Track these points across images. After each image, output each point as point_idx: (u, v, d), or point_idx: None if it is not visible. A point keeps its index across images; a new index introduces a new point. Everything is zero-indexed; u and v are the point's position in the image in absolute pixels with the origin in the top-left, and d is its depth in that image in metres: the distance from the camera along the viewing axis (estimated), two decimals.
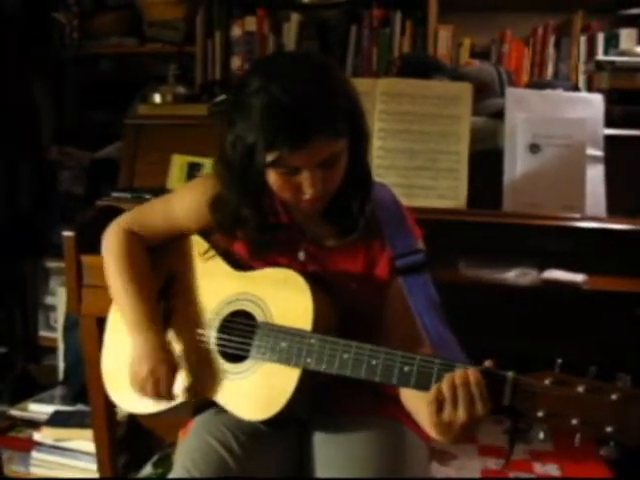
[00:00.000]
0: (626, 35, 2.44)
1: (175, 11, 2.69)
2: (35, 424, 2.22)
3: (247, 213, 1.20)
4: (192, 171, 1.97)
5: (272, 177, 1.13)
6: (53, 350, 2.54)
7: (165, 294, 1.34)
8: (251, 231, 1.22)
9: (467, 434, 1.01)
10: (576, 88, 2.20)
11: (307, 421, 1.26)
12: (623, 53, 2.14)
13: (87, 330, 1.73)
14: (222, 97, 2.09)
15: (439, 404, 1.00)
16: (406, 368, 1.05)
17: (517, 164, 1.76)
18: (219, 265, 1.29)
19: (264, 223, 1.22)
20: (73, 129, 2.86)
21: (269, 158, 1.09)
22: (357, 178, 1.20)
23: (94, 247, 1.47)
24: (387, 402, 1.24)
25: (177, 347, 1.29)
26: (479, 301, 1.55)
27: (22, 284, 2.69)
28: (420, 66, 2.03)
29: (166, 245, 1.36)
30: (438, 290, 1.22)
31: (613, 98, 1.90)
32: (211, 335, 1.26)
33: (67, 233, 1.70)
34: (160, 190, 1.73)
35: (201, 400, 1.25)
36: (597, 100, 1.81)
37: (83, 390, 2.03)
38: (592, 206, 1.73)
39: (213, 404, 1.23)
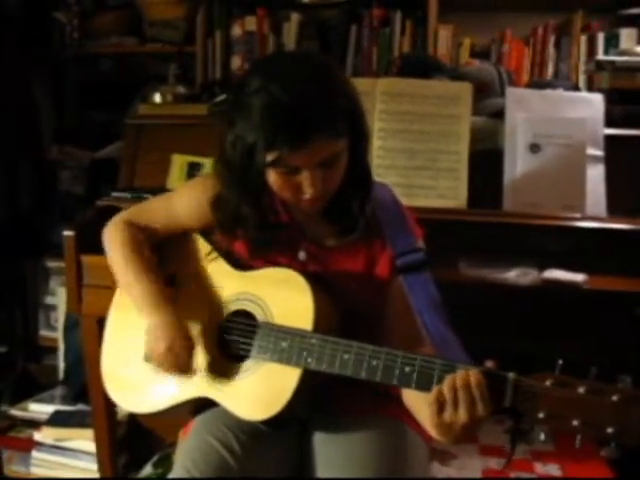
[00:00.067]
0: (626, 35, 2.44)
1: (175, 11, 2.69)
2: (35, 424, 2.22)
3: (247, 212, 1.20)
4: (192, 171, 1.97)
5: (272, 177, 1.14)
6: (53, 350, 2.54)
7: None
8: (251, 230, 1.22)
9: (468, 435, 1.01)
10: (576, 88, 2.20)
11: (307, 421, 1.26)
12: (623, 53, 2.14)
13: (87, 330, 1.73)
14: (222, 97, 2.09)
15: (440, 405, 1.00)
16: (407, 369, 1.05)
17: (517, 164, 1.76)
18: (220, 265, 1.29)
19: (264, 222, 1.22)
20: (73, 129, 2.86)
21: (269, 158, 1.09)
22: (357, 178, 1.20)
23: (94, 247, 1.47)
24: (388, 402, 1.24)
25: None
26: (479, 301, 1.55)
27: (22, 284, 2.69)
28: (420, 66, 2.03)
29: (166, 246, 1.36)
30: (439, 289, 1.22)
31: (613, 98, 1.90)
32: (212, 335, 1.25)
33: (67, 233, 1.70)
34: (160, 190, 1.73)
35: (201, 400, 1.25)
36: (597, 100, 1.81)
37: (83, 390, 2.03)
38: (592, 206, 1.73)
39: (213, 404, 1.23)
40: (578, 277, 1.55)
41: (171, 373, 1.24)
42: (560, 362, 0.97)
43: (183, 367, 1.23)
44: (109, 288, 1.40)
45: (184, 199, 1.34)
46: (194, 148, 1.97)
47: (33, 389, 2.41)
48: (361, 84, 1.21)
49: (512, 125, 1.77)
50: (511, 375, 0.98)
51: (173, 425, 1.41)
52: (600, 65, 2.04)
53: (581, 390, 0.93)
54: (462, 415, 0.98)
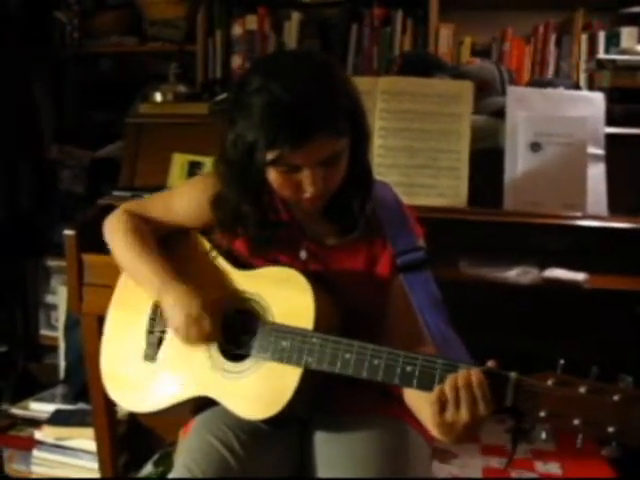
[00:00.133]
0: (627, 33, 2.44)
1: (176, 10, 2.69)
2: (36, 423, 2.22)
3: (247, 210, 1.20)
4: (193, 170, 1.97)
5: (273, 175, 1.13)
6: (54, 349, 2.55)
7: None
8: (251, 228, 1.22)
9: (470, 434, 1.01)
10: (577, 86, 2.20)
11: (308, 420, 1.25)
12: (624, 52, 2.14)
13: (88, 329, 1.73)
14: (223, 96, 2.09)
15: (442, 405, 1.00)
16: (408, 368, 1.05)
17: (518, 163, 1.76)
18: (221, 264, 1.29)
19: (264, 221, 1.22)
20: (73, 128, 2.86)
21: (270, 157, 1.09)
22: (358, 177, 1.20)
23: (95, 246, 1.48)
24: (390, 401, 1.24)
25: (178, 346, 1.28)
26: (480, 300, 1.55)
27: (23, 283, 2.69)
28: (421, 64, 2.03)
29: (167, 245, 1.36)
30: (439, 288, 1.22)
31: (614, 96, 1.91)
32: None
33: (68, 232, 1.70)
34: (161, 189, 1.73)
35: (201, 399, 1.24)
36: (598, 98, 1.81)
37: (84, 389, 2.03)
38: (593, 205, 1.73)
39: (214, 403, 1.23)
40: (579, 276, 1.55)
41: (199, 341, 1.21)
42: (562, 362, 0.97)
43: (208, 332, 1.20)
44: (110, 287, 1.40)
45: (184, 198, 1.34)
46: (195, 147, 1.97)
47: (34, 388, 2.41)
48: (362, 83, 1.21)
49: (513, 124, 1.77)
50: (512, 375, 0.98)
51: (173, 424, 1.41)
52: (601, 64, 2.04)
53: (582, 389, 0.93)
54: (464, 415, 0.98)
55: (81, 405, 2.21)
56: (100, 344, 1.39)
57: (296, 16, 2.65)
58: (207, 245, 1.32)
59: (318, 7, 2.69)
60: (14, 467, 2.24)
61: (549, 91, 1.90)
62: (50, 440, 2.14)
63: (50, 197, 2.74)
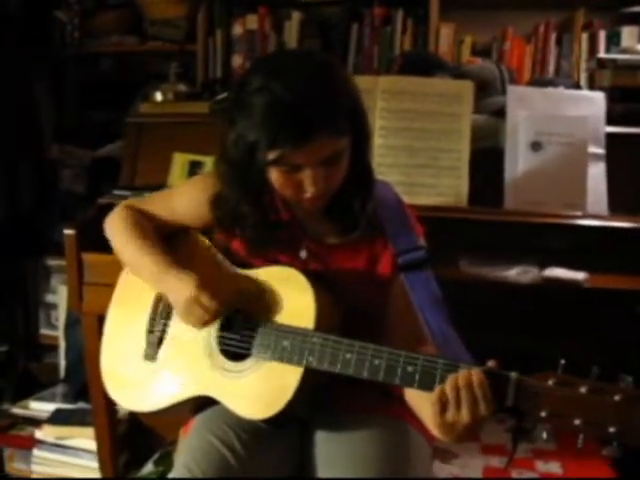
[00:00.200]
0: (628, 33, 2.43)
1: (176, 9, 2.69)
2: (36, 422, 2.22)
3: (247, 211, 1.20)
4: (193, 169, 1.97)
5: (274, 175, 1.13)
6: (54, 348, 2.55)
7: None
8: (249, 229, 1.22)
9: (471, 434, 1.01)
10: (578, 86, 2.20)
11: (309, 420, 1.25)
12: (625, 51, 2.14)
13: (88, 328, 1.73)
14: (223, 95, 2.08)
15: (443, 405, 1.00)
16: (409, 368, 1.05)
17: (518, 162, 1.76)
18: (221, 263, 1.29)
19: (264, 221, 1.22)
20: (74, 128, 2.86)
21: (271, 156, 1.09)
22: (359, 176, 1.20)
23: (95, 245, 1.47)
24: (390, 401, 1.24)
25: (178, 345, 1.28)
26: (480, 299, 1.55)
27: (23, 282, 2.69)
28: (421, 64, 2.03)
29: (167, 245, 1.36)
30: (440, 287, 1.22)
31: (615, 96, 1.91)
32: (212, 333, 1.25)
33: (68, 231, 1.70)
34: (161, 188, 1.74)
35: (202, 398, 1.24)
36: (599, 98, 1.81)
37: (84, 388, 2.03)
38: (593, 204, 1.73)
39: (214, 402, 1.23)
40: (579, 275, 1.55)
41: (204, 320, 1.20)
42: (562, 362, 0.97)
43: (210, 308, 1.18)
44: (110, 286, 1.40)
45: (184, 197, 1.34)
46: (195, 146, 1.97)
47: (34, 387, 2.41)
48: (362, 82, 1.21)
49: (513, 123, 1.77)
50: (513, 375, 0.98)
51: (174, 423, 1.41)
52: (601, 63, 2.05)
53: (583, 390, 0.93)
54: (465, 415, 0.98)
55: (81, 404, 2.21)
56: (100, 343, 1.39)
57: (296, 16, 2.65)
58: (207, 244, 1.32)
59: (318, 6, 2.69)
60: (15, 466, 2.24)
61: (550, 90, 1.90)
62: (50, 439, 2.14)
63: (50, 196, 2.74)
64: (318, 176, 1.12)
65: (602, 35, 2.47)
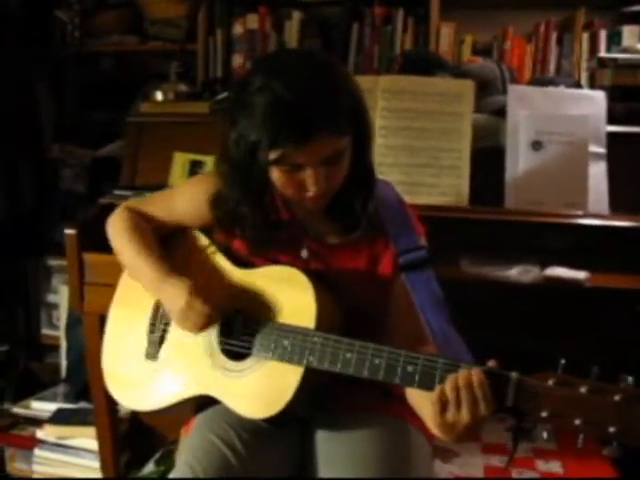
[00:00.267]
0: (628, 32, 2.43)
1: (177, 9, 2.69)
2: (38, 422, 2.22)
3: (247, 211, 1.20)
4: (194, 169, 1.97)
5: (275, 174, 1.13)
6: (55, 348, 2.55)
7: None
8: (249, 229, 1.22)
9: (471, 434, 1.01)
10: (578, 85, 2.19)
11: (309, 419, 1.25)
12: (625, 50, 2.14)
13: (89, 328, 1.74)
14: (224, 95, 2.08)
15: (443, 405, 1.00)
16: (409, 368, 1.05)
17: (519, 161, 1.76)
18: (221, 263, 1.29)
19: (264, 221, 1.22)
20: (74, 127, 2.86)
21: (272, 156, 1.09)
22: (360, 175, 1.20)
23: (96, 245, 1.47)
24: (391, 401, 1.24)
25: (179, 345, 1.29)
26: (481, 298, 1.55)
27: (24, 282, 2.69)
28: (422, 63, 2.03)
29: (167, 245, 1.36)
30: (441, 287, 1.22)
31: (615, 95, 1.91)
32: (213, 333, 1.25)
33: (69, 231, 1.70)
34: (162, 188, 1.74)
35: (203, 398, 1.25)
36: (599, 97, 1.81)
37: (85, 388, 2.03)
38: (594, 203, 1.72)
39: (215, 402, 1.23)
40: (580, 275, 1.55)
41: (199, 326, 1.21)
42: (562, 362, 0.96)
43: (208, 317, 1.20)
44: (111, 286, 1.40)
45: (185, 197, 1.34)
46: (196, 146, 1.97)
47: (35, 387, 2.41)
48: (363, 81, 1.21)
49: (514, 122, 1.77)
50: (513, 375, 0.98)
51: (175, 423, 1.41)
52: (602, 62, 2.04)
53: (583, 390, 0.93)
54: (465, 415, 0.98)
55: (82, 404, 2.21)
56: (101, 343, 1.39)
57: (297, 15, 2.65)
58: (206, 244, 1.32)
59: (319, 6, 2.69)
60: (16, 466, 2.24)
61: (550, 90, 1.90)
62: (52, 439, 2.14)
63: (51, 196, 2.74)
64: (319, 175, 1.12)
65: (603, 34, 2.47)
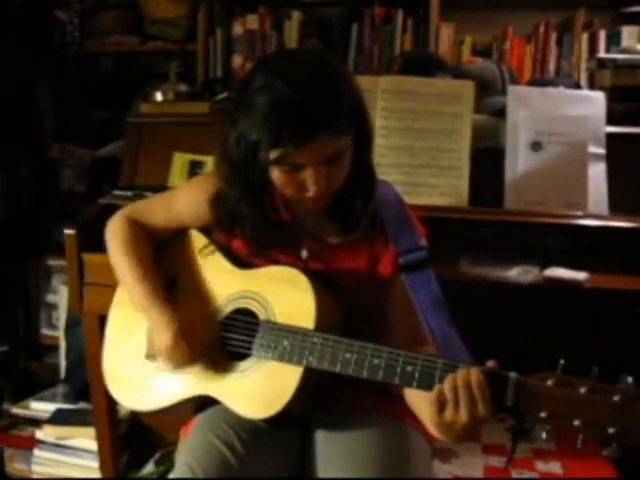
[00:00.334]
0: (628, 32, 2.43)
1: (177, 9, 2.69)
2: (37, 422, 2.22)
3: (246, 211, 1.20)
4: (194, 169, 1.97)
5: (276, 174, 1.13)
6: (55, 348, 2.55)
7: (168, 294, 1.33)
8: (249, 229, 1.22)
9: (470, 434, 1.01)
10: (578, 86, 2.19)
11: (309, 420, 1.25)
12: (625, 50, 2.14)
13: (89, 328, 1.74)
14: (224, 95, 2.09)
15: (441, 405, 1.00)
16: (409, 368, 1.05)
17: (519, 162, 1.76)
18: (220, 263, 1.29)
19: (264, 221, 1.22)
20: (74, 127, 2.86)
21: (273, 155, 1.09)
22: (361, 175, 1.20)
23: (96, 245, 1.47)
24: (390, 400, 1.24)
25: None
26: (481, 299, 1.55)
27: (24, 282, 2.69)
28: (422, 64, 2.03)
29: (167, 245, 1.36)
30: (441, 287, 1.22)
31: (615, 95, 1.91)
32: (214, 332, 1.25)
33: (68, 231, 1.70)
34: (162, 188, 1.73)
35: (202, 398, 1.25)
36: (599, 97, 1.81)
37: (85, 388, 2.03)
38: (594, 204, 1.72)
39: (215, 402, 1.23)
40: (580, 275, 1.55)
41: (180, 368, 1.23)
42: (562, 362, 0.96)
43: (190, 360, 1.22)
44: (110, 286, 1.40)
45: (185, 197, 1.34)
46: (195, 146, 1.97)
47: (35, 387, 2.41)
48: (363, 82, 1.21)
49: (514, 123, 1.77)
50: (512, 375, 0.98)
51: (174, 423, 1.41)
52: (602, 63, 2.04)
53: (583, 390, 0.93)
54: (463, 415, 0.98)
55: (82, 404, 2.21)
56: (101, 343, 1.39)
57: (297, 15, 2.65)
58: (206, 242, 1.32)
59: (319, 6, 2.69)
60: (15, 466, 2.24)
61: (550, 90, 1.90)
62: (51, 439, 2.14)
63: (51, 196, 2.74)
64: (320, 175, 1.12)
65: (602, 35, 2.47)
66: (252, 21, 2.67)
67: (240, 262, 1.27)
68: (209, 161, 1.93)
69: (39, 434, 2.16)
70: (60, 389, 2.35)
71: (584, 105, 1.80)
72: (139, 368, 1.31)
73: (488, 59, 2.37)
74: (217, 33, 2.68)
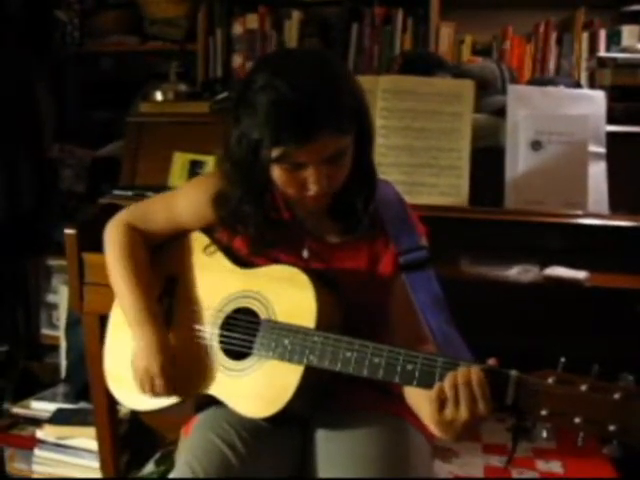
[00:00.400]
0: (628, 32, 2.43)
1: (177, 9, 2.69)
2: (37, 422, 2.22)
3: (249, 209, 1.21)
4: (194, 169, 1.97)
5: (277, 173, 1.14)
6: (55, 348, 2.55)
7: (168, 293, 1.33)
8: (251, 227, 1.22)
9: (470, 432, 1.01)
10: (578, 85, 2.19)
11: (309, 418, 1.26)
12: (625, 50, 2.14)
13: (89, 328, 1.74)
14: (224, 95, 2.09)
15: (441, 403, 1.00)
16: (409, 366, 1.05)
17: (519, 161, 1.76)
18: (221, 262, 1.29)
19: (265, 220, 1.22)
20: (74, 127, 2.87)
21: (274, 154, 1.10)
22: (362, 175, 1.20)
23: (96, 245, 1.47)
24: (390, 399, 1.24)
25: (179, 344, 1.29)
26: (481, 298, 1.55)
27: (24, 282, 2.69)
28: (422, 63, 2.03)
29: (168, 244, 1.36)
30: (441, 287, 1.22)
31: (615, 95, 1.91)
32: (214, 332, 1.25)
33: (68, 231, 1.70)
34: (162, 188, 1.73)
35: (203, 397, 1.25)
36: (599, 97, 1.81)
37: (85, 388, 2.03)
38: (594, 203, 1.72)
39: (215, 401, 1.23)
40: (580, 274, 1.55)
41: (146, 394, 1.26)
42: (562, 360, 0.96)
43: (159, 392, 1.25)
44: (110, 286, 1.40)
45: (185, 198, 1.34)
46: (195, 146, 1.97)
47: (35, 387, 2.41)
48: (363, 81, 1.21)
49: (514, 122, 1.77)
50: (513, 373, 0.98)
51: (175, 422, 1.41)
52: (602, 62, 2.04)
53: (583, 388, 0.93)
54: (463, 412, 0.98)
55: (82, 404, 2.21)
56: (101, 343, 1.39)
57: (297, 15, 2.66)
58: (207, 242, 1.32)
59: (319, 6, 2.69)
60: (15, 466, 2.24)
61: (550, 89, 1.89)
62: (51, 439, 2.15)
63: (51, 196, 2.74)
64: (321, 174, 1.12)
65: (602, 34, 2.47)
66: (252, 21, 2.67)
67: (241, 261, 1.28)
68: (209, 161, 1.93)
69: (39, 434, 2.16)
70: (60, 389, 2.35)
71: (584, 104, 1.80)
72: None
73: (488, 58, 2.37)
74: (217, 33, 2.68)
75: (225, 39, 2.68)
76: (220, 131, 1.20)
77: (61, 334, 2.46)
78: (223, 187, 1.23)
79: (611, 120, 1.79)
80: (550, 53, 2.52)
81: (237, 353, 1.22)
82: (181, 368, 1.27)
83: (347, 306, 1.21)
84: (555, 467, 1.63)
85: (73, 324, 2.27)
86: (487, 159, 1.76)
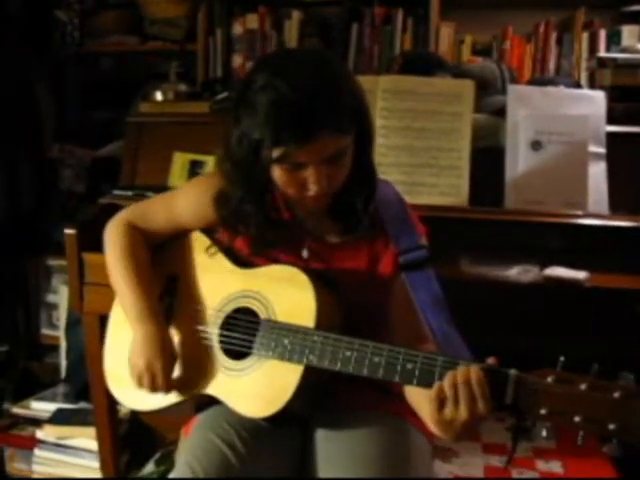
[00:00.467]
0: (628, 32, 2.43)
1: (177, 9, 2.69)
2: (37, 422, 2.22)
3: (249, 209, 1.21)
4: (194, 169, 1.97)
5: (277, 173, 1.14)
6: (55, 348, 2.55)
7: (169, 292, 1.34)
8: (252, 227, 1.22)
9: (469, 432, 1.01)
10: (578, 85, 2.19)
11: (309, 418, 1.26)
12: (625, 50, 2.14)
13: (89, 328, 1.74)
14: (224, 95, 2.09)
15: (441, 402, 1.00)
16: (409, 365, 1.05)
17: (519, 161, 1.76)
18: (221, 262, 1.29)
19: (265, 220, 1.22)
20: (74, 127, 2.87)
21: (275, 154, 1.10)
22: (362, 175, 1.20)
23: (96, 245, 1.47)
24: (390, 399, 1.24)
25: (180, 344, 1.29)
26: (481, 298, 1.55)
27: (24, 282, 2.69)
28: (422, 63, 2.04)
29: (169, 244, 1.36)
30: (441, 287, 1.22)
31: (615, 95, 1.91)
32: (214, 332, 1.26)
33: (68, 231, 1.70)
34: (162, 188, 1.73)
35: (203, 397, 1.25)
36: (599, 97, 1.81)
37: (85, 388, 2.03)
38: (594, 203, 1.72)
39: (215, 401, 1.23)
40: (580, 275, 1.55)
41: (146, 391, 1.25)
42: (562, 359, 0.96)
43: (159, 389, 1.24)
44: (110, 286, 1.40)
45: (186, 199, 1.34)
46: (195, 146, 1.97)
47: (35, 387, 2.41)
48: (363, 81, 1.21)
49: (514, 122, 1.77)
50: (512, 372, 0.98)
51: (175, 422, 1.41)
52: (602, 62, 2.04)
53: (583, 386, 0.93)
54: (463, 412, 0.98)
55: (82, 404, 2.21)
56: (101, 343, 1.39)
57: (297, 15, 2.66)
58: (208, 243, 1.32)
59: (319, 6, 2.69)
60: (15, 466, 2.24)
61: (550, 89, 1.89)
62: (51, 439, 2.15)
63: (51, 196, 2.74)
64: (321, 174, 1.12)
65: (602, 34, 2.47)
66: (252, 21, 2.67)
67: (241, 261, 1.28)
68: (209, 161, 1.93)
69: (39, 434, 2.16)
70: (60, 389, 2.35)
71: (584, 104, 1.80)
72: None
73: (488, 58, 2.37)
74: (217, 33, 2.68)
75: (225, 39, 2.69)
76: (220, 131, 1.20)
77: (61, 334, 2.46)
78: (224, 187, 1.23)
79: (611, 120, 1.79)
80: (550, 53, 2.53)
81: (237, 353, 1.22)
82: (181, 367, 1.27)
83: (347, 306, 1.21)
84: (555, 467, 1.63)
85: (73, 324, 2.27)
86: (487, 159, 1.77)
